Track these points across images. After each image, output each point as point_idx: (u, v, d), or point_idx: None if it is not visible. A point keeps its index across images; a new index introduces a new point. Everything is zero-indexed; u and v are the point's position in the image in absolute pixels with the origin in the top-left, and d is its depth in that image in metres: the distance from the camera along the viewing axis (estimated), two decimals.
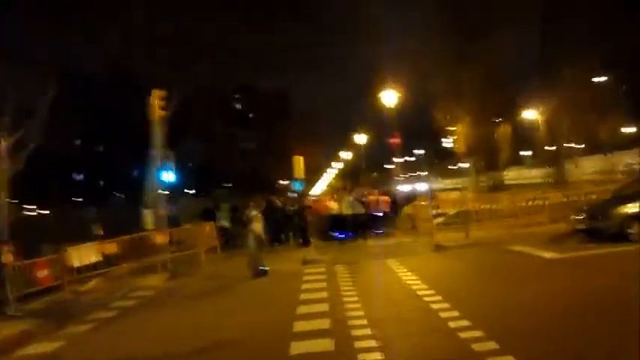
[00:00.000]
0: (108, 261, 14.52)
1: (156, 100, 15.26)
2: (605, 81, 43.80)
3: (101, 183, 69.65)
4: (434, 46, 33.88)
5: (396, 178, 22.03)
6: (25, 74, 19.92)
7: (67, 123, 37.71)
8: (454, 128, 16.67)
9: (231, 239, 18.66)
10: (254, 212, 13.59)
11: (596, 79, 41.77)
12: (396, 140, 21.71)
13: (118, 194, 64.86)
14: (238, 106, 69.02)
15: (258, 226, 13.37)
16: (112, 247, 14.47)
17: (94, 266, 14.10)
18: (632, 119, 48.20)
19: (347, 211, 18.70)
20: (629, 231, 13.04)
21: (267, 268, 13.44)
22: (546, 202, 19.09)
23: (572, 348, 6.19)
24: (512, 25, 33.96)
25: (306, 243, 18.72)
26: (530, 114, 42.72)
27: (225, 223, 18.93)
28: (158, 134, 15.41)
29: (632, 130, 49.99)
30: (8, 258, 10.90)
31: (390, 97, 22.41)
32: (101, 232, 16.01)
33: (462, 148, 16.64)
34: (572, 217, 14.88)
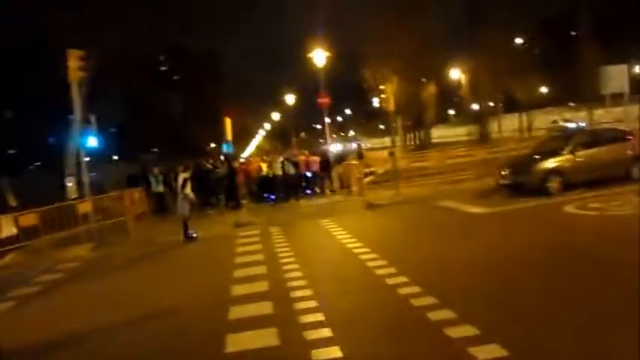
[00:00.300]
0: (26, 234, 13.63)
1: (73, 61, 14.22)
2: (522, 45, 45.63)
3: (12, 152, 65.27)
4: (365, 5, 33.68)
5: (327, 138, 22.00)
6: None
7: None
8: (383, 87, 16.71)
9: (166, 205, 18.05)
10: (184, 176, 13.21)
11: (514, 43, 43.38)
12: (324, 100, 21.57)
13: (33, 163, 61.12)
14: (164, 67, 66.20)
15: (188, 190, 13.00)
16: (30, 219, 13.55)
17: (10, 240, 13.21)
18: (546, 81, 50.80)
19: (278, 172, 18.56)
20: (549, 185, 13.74)
21: (195, 235, 13.21)
22: (472, 159, 19.73)
23: (506, 299, 6.46)
24: None
25: (237, 206, 18.46)
26: (455, 74, 43.81)
27: (161, 189, 18.22)
28: (77, 97, 14.41)
29: (545, 90, 52.78)
30: None
31: (319, 57, 22.15)
32: (15, 204, 14.96)
33: (391, 107, 16.75)
34: (497, 172, 15.44)
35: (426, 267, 8.24)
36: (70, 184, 16.40)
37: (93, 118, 14.79)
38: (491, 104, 48.07)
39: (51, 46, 30.17)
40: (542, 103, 51.76)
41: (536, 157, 15.12)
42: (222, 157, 24.05)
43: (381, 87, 17.29)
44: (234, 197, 18.72)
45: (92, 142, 15.13)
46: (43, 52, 36.22)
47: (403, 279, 7.49)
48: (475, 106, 50.03)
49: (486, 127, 45.51)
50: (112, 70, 26.98)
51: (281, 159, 19.56)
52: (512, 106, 49.89)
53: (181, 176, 13.24)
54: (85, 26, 21.84)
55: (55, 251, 13.29)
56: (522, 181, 14.19)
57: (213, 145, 61.62)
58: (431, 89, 42.39)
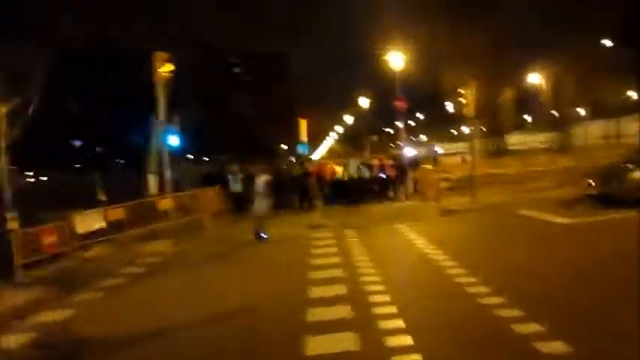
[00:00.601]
0: (113, 227, 14.31)
1: (159, 63, 14.86)
2: (610, 46, 42.99)
3: (99, 149, 69.11)
4: (441, 8, 33.07)
5: (402, 143, 21.72)
6: (19, 44, 19.45)
7: (65, 90, 37.04)
8: (463, 91, 16.30)
9: (243, 204, 18.39)
10: (264, 177, 13.58)
11: (601, 45, 40.89)
12: (401, 103, 21.30)
13: (117, 160, 64.44)
14: (237, 69, 68.01)
15: (267, 191, 13.39)
16: (117, 213, 14.20)
17: (98, 233, 13.90)
18: (636, 85, 47.62)
19: (353, 175, 18.52)
20: None
21: (266, 236, 13.44)
22: (553, 167, 18.89)
23: (592, 313, 6.11)
24: None
25: (310, 207, 18.60)
26: (535, 78, 42.12)
27: (239, 188, 18.51)
28: (161, 97, 15.03)
29: (635, 95, 49.44)
30: (14, 225, 10.69)
31: (396, 60, 21.89)
32: (104, 198, 15.74)
33: (472, 112, 16.30)
34: (583, 181, 14.69)
35: (507, 277, 7.93)
36: (151, 181, 17.06)
37: (176, 118, 15.35)
38: (577, 110, 45.71)
39: (137, 49, 31.65)
40: (633, 108, 48.67)
41: (629, 166, 14.25)
42: (293, 159, 24.38)
43: (461, 91, 16.79)
44: (307, 199, 18.86)
45: (174, 140, 15.72)
46: (129, 55, 38.08)
47: (483, 288, 7.29)
48: (555, 113, 47.88)
49: (568, 134, 43.42)
50: (189, 72, 27.93)
51: (357, 162, 19.51)
52: (597, 112, 47.26)
53: (263, 177, 13.58)
54: (166, 30, 22.67)
55: (137, 245, 13.85)
56: (612, 192, 13.43)
57: (284, 146, 62.56)
58: (508, 94, 41.02)
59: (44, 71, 15.82)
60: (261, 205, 13.37)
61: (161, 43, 18.24)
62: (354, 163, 19.28)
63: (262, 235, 13.42)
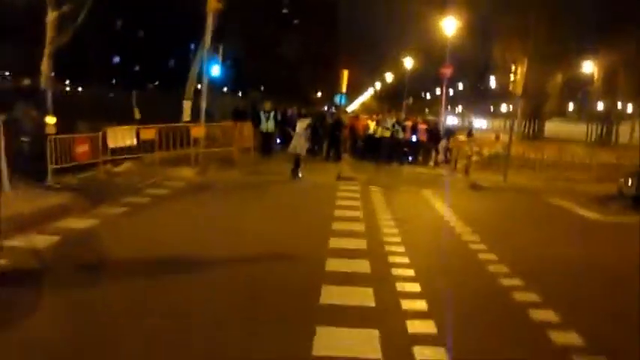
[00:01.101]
0: (143, 146, 14.46)
1: None
2: None
3: (137, 68, 69.38)
4: None
5: (442, 110, 21.30)
6: None
7: (114, 4, 36.81)
8: (514, 68, 15.75)
9: (271, 143, 18.34)
10: (307, 120, 14.81)
11: None
12: (447, 70, 20.76)
13: (154, 82, 64.71)
14: (285, 10, 66.82)
15: (307, 134, 14.50)
16: (149, 133, 14.30)
17: (128, 149, 14.06)
18: None
19: (386, 133, 18.28)
20: None
21: (301, 175, 14.26)
22: (592, 161, 18.36)
23: (612, 311, 5.99)
24: None
25: (338, 158, 18.55)
26: (588, 67, 40.50)
27: (270, 127, 17.91)
28: (209, 26, 14.83)
29: None
30: (52, 130, 10.85)
31: (450, 26, 21.20)
32: (139, 117, 15.83)
33: (519, 90, 15.79)
34: (621, 179, 14.27)
35: (530, 262, 7.77)
36: (186, 108, 17.09)
37: (220, 49, 15.18)
38: (626, 106, 44.03)
39: None
40: None
41: None
42: (330, 109, 24.09)
43: (512, 67, 16.24)
44: (337, 150, 18.77)
45: (215, 70, 15.60)
46: None
47: (504, 269, 7.16)
48: (601, 106, 46.25)
49: (612, 129, 42.03)
50: (238, 6, 27.46)
51: (393, 120, 19.21)
52: None
53: (306, 120, 14.78)
54: None
55: (165, 168, 14.03)
56: None
57: (319, 94, 62.03)
58: (557, 79, 39.65)
59: None
60: (300, 144, 14.09)
61: None
62: (390, 121, 18.98)
63: (299, 173, 14.08)
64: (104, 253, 7.09)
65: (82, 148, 12.28)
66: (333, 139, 18.90)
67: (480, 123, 73.49)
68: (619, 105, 44.56)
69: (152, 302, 5.47)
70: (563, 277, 7.29)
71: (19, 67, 34.33)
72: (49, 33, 19.47)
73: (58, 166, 11.35)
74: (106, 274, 6.26)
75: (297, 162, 14.22)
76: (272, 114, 17.93)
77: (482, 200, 13.78)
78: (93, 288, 5.70)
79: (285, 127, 18.33)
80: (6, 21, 20.54)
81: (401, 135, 18.67)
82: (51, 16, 19.36)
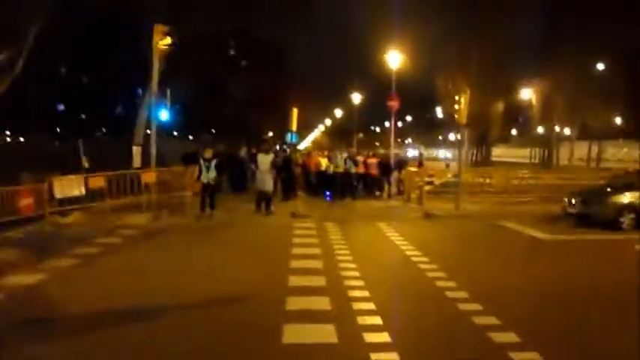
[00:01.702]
0: (92, 196, 14.06)
1: (158, 36, 14.62)
2: (602, 72, 43.34)
3: (83, 116, 68.05)
4: (444, 12, 33.07)
5: (391, 142, 21.67)
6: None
7: (55, 50, 36.23)
8: (457, 98, 16.33)
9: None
10: (270, 156, 15.52)
11: (595, 69, 41.16)
12: (394, 103, 21.24)
13: (101, 130, 63.60)
14: (232, 52, 67.29)
15: (271, 169, 14.96)
16: (98, 182, 13.94)
17: (77, 199, 13.64)
18: (624, 110, 48.26)
19: (340, 168, 18.39)
20: (622, 220, 13.15)
21: (273, 208, 14.99)
22: (537, 183, 19.06)
23: (567, 329, 6.16)
24: (523, 5, 33.11)
25: (293, 196, 18.54)
26: (526, 93, 42.46)
27: (210, 177, 14.44)
28: (156, 71, 14.79)
29: (619, 122, 50.15)
30: None
31: (394, 59, 21.84)
32: (87, 165, 15.41)
33: (463, 119, 16.32)
34: (565, 199, 14.85)
35: (486, 285, 7.96)
36: (136, 154, 16.79)
37: (168, 92, 15.11)
38: (563, 129, 46.21)
39: (130, 22, 31.10)
40: (615, 134, 49.51)
41: (610, 189, 14.53)
42: (281, 147, 24.15)
43: (456, 97, 16.80)
44: (287, 188, 18.78)
45: (164, 115, 15.48)
46: (122, 28, 37.44)
47: (463, 294, 7.31)
48: (541, 130, 48.35)
49: (552, 152, 43.90)
50: (184, 49, 27.56)
51: (345, 155, 19.42)
52: (583, 133, 47.89)
53: (269, 156, 15.31)
54: (166, 5, 22.26)
55: (117, 216, 13.64)
56: (592, 213, 13.63)
57: (270, 133, 62.20)
58: (499, 106, 41.29)
59: (38, 28, 15.39)
60: (266, 180, 14.69)
61: (160, 16, 17.83)
62: (340, 156, 19.17)
63: (271, 208, 14.80)
64: (51, 308, 6.77)
65: (26, 201, 11.85)
66: (284, 178, 18.93)
67: (432, 152, 75.46)
68: (557, 128, 46.75)
69: (102, 356, 5.26)
70: (520, 297, 7.46)
71: None
72: None
73: (2, 220, 10.88)
74: (52, 329, 5.97)
75: (266, 199, 14.86)
76: (213, 163, 14.60)
77: (436, 229, 14.01)
78: (37, 344, 5.43)
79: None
80: None
81: (353, 169, 18.86)
82: None
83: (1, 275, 8.02)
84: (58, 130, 62.39)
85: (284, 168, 18.45)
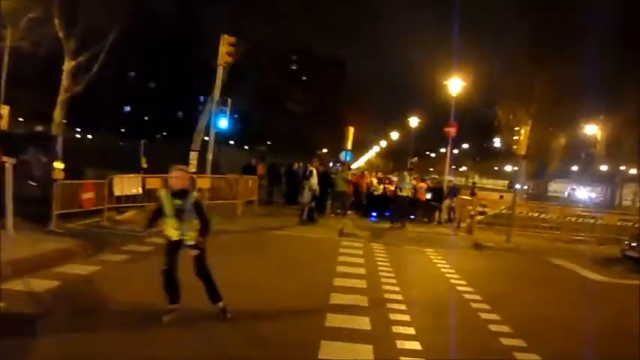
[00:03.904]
0: (148, 195, 14.53)
1: (224, 46, 15.10)
2: None
3: (146, 118, 70.74)
4: (510, 41, 32.57)
5: (447, 169, 21.43)
6: (97, 2, 19.97)
7: (127, 55, 37.93)
8: (517, 129, 16.02)
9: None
10: (314, 171, 15.93)
11: None
12: (452, 129, 21.06)
13: (162, 132, 65.84)
14: (294, 66, 68.53)
15: (314, 183, 15.66)
16: (154, 182, 14.35)
17: (134, 197, 14.15)
18: None
19: (406, 192, 17.83)
20: None
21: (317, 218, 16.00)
22: (597, 222, 18.31)
23: None
24: (592, 39, 32.04)
25: (344, 214, 18.63)
26: (591, 129, 40.99)
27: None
28: (219, 80, 15.26)
29: None
30: (59, 175, 10.99)
31: (455, 86, 21.69)
32: (146, 166, 16.01)
33: (523, 151, 15.96)
34: (625, 242, 14.22)
35: (532, 321, 7.72)
36: (193, 159, 17.28)
37: (229, 101, 15.52)
38: (629, 169, 44.28)
39: (198, 31, 32.30)
40: None
41: None
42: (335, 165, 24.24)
43: (515, 128, 16.49)
44: (342, 206, 18.91)
45: (223, 123, 15.89)
46: (190, 36, 38.82)
47: (506, 328, 7.10)
48: (604, 167, 46.50)
49: (616, 191, 42.13)
50: (247, 60, 28.31)
51: (412, 180, 18.85)
52: None
53: (313, 171, 15.89)
54: (232, 18, 23.04)
55: None
56: None
57: (325, 150, 62.62)
58: (561, 140, 40.06)
59: (117, 32, 16.22)
60: (306, 193, 15.60)
61: (226, 26, 18.42)
62: (410, 180, 18.50)
63: (312, 216, 15.91)
64: (103, 299, 7.05)
65: (87, 195, 12.39)
66: (339, 195, 19.01)
67: (486, 182, 73.76)
68: (622, 167, 44.85)
69: (147, 351, 5.41)
70: (565, 337, 7.20)
71: (33, 114, 35.17)
72: (64, 82, 20.13)
73: (63, 212, 11.43)
74: (103, 320, 6.22)
75: (305, 209, 15.84)
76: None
77: (485, 260, 13.68)
78: (89, 334, 5.66)
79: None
80: (22, 68, 21.25)
81: (410, 193, 18.45)
82: (68, 65, 20.10)
83: (59, 264, 8.43)
84: (122, 130, 65.01)
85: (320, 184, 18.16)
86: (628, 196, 44.87)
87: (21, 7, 18.29)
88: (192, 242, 6.41)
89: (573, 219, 18.41)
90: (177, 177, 6.37)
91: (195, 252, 6.43)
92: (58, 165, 11.06)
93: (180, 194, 6.31)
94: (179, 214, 6.30)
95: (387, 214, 18.51)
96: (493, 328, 7.16)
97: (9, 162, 9.27)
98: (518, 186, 17.68)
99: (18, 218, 9.79)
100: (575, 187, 59.98)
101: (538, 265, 13.35)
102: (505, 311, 7.90)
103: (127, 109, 72.63)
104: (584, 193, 55.32)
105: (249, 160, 21.55)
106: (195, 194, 6.42)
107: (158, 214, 6.49)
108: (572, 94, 33.99)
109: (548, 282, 11.58)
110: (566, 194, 58.68)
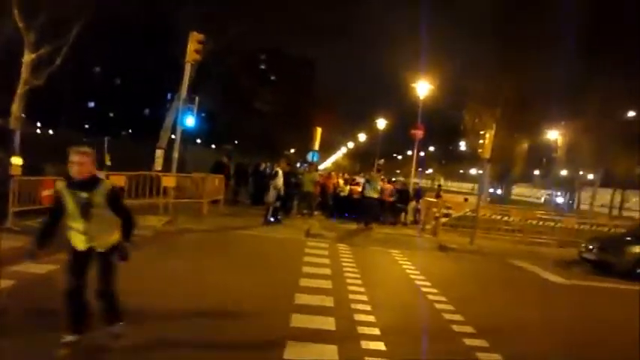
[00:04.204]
0: None
1: (193, 43, 14.89)
2: (633, 118, 42.72)
3: (111, 115, 69.40)
4: (477, 46, 33.16)
5: (413, 171, 21.62)
6: None
7: (91, 49, 37.13)
8: (483, 133, 16.31)
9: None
10: (280, 172, 15.72)
11: (626, 115, 40.62)
12: (418, 132, 21.28)
13: (127, 130, 64.70)
14: (262, 66, 68.30)
15: (279, 183, 15.52)
16: (118, 180, 14.04)
17: None
18: None
19: (374, 194, 17.77)
20: None
21: (273, 220, 15.74)
22: (557, 225, 18.79)
23: None
24: (557, 45, 32.88)
25: (310, 215, 18.62)
26: (552, 135, 42.10)
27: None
28: (187, 77, 15.05)
29: None
30: (17, 171, 10.63)
31: (422, 88, 21.92)
32: (109, 163, 15.64)
33: (487, 154, 16.23)
34: (582, 244, 14.64)
35: (495, 322, 7.83)
36: (159, 157, 17.00)
37: (196, 99, 15.32)
38: (587, 174, 45.65)
39: (166, 28, 31.85)
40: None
41: (629, 238, 14.29)
42: (302, 165, 24.23)
43: (481, 132, 16.74)
44: (309, 206, 18.93)
45: (190, 121, 15.67)
46: (158, 33, 38.29)
47: (469, 328, 7.19)
48: (564, 172, 47.82)
49: (575, 196, 43.37)
50: (216, 59, 28.06)
51: (380, 180, 18.86)
52: (606, 180, 47.21)
53: (279, 171, 15.72)
54: (202, 17, 22.74)
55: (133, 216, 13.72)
56: (610, 261, 13.41)
57: (292, 150, 62.57)
58: (524, 145, 40.96)
59: (81, 25, 15.79)
60: (271, 193, 15.49)
61: (195, 25, 18.16)
62: (378, 181, 18.47)
63: (270, 219, 15.65)
64: (61, 299, 6.82)
65: (47, 192, 11.99)
66: (305, 196, 18.99)
67: (451, 185, 74.94)
68: (581, 172, 46.17)
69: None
70: (527, 338, 7.34)
71: None
72: (24, 74, 19.49)
73: (21, 209, 11.05)
74: (60, 320, 6.02)
75: (268, 209, 15.72)
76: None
77: (449, 261, 13.86)
78: (45, 334, 5.48)
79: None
80: None
81: (377, 195, 18.54)
82: (28, 57, 19.48)
83: (17, 263, 8.13)
84: (86, 126, 63.60)
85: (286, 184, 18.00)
86: (586, 201, 46.24)
87: None
88: (105, 250, 4.98)
89: (534, 222, 18.87)
90: (79, 162, 4.68)
91: (119, 260, 5.05)
92: (16, 160, 10.70)
93: (86, 184, 4.73)
94: (86, 211, 4.75)
95: (354, 216, 18.53)
96: (456, 328, 7.24)
97: None
98: (491, 189, 17.91)
99: None
100: (551, 192, 60.37)
101: (501, 267, 13.61)
102: (468, 312, 8.00)
103: (92, 104, 71.07)
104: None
105: (217, 158, 21.17)
106: (108, 182, 4.96)
107: (57, 218, 4.92)
108: (536, 100, 34.89)
109: (511, 283, 11.81)
110: (542, 200, 59.24)
